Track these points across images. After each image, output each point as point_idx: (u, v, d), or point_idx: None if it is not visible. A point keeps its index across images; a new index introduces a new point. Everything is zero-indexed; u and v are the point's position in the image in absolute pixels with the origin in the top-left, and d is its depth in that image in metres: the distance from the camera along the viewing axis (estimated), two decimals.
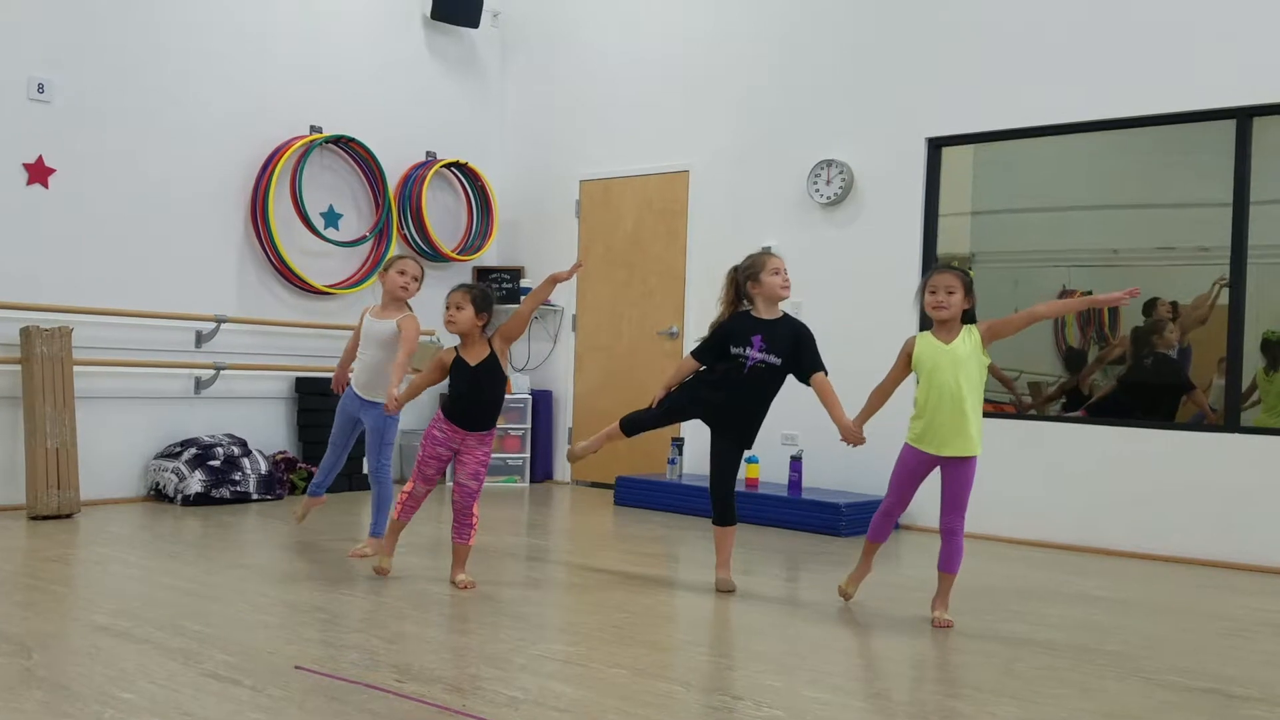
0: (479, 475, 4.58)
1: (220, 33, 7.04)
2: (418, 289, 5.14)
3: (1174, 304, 6.78)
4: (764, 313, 4.59)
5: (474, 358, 4.52)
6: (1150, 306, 6.70)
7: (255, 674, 3.25)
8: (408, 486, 4.65)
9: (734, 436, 4.67)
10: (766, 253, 4.74)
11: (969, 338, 4.08)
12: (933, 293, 4.08)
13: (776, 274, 4.56)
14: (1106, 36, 6.12)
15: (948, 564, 4.19)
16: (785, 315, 4.63)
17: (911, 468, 4.22)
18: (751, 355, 4.53)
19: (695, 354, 4.73)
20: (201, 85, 6.94)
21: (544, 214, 8.57)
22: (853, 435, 4.37)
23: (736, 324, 4.61)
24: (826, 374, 4.54)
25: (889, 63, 6.87)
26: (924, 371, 4.13)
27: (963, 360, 4.05)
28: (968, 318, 4.14)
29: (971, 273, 4.25)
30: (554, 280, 4.54)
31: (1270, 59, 5.63)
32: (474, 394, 4.52)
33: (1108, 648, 3.94)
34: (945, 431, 4.09)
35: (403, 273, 5.10)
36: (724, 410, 4.65)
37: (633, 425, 4.84)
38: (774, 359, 4.53)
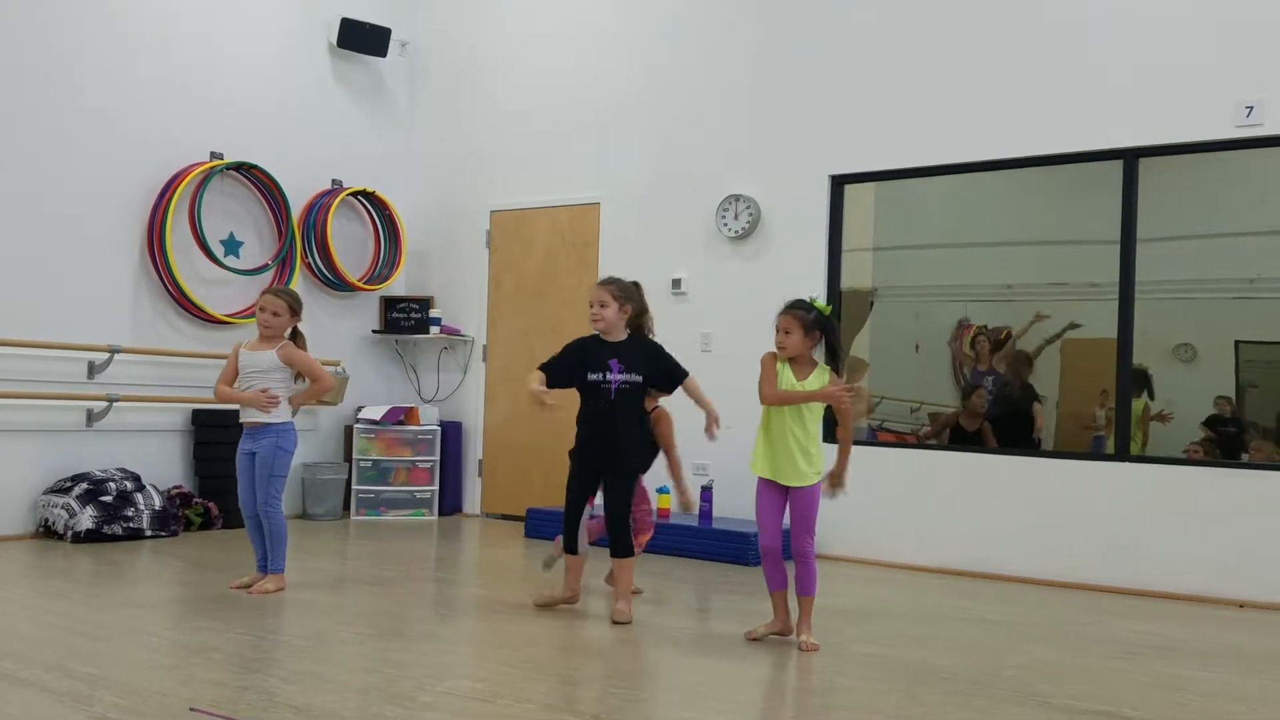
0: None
1: (118, 57, 6.85)
2: (285, 320, 5.04)
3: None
4: (612, 337, 4.68)
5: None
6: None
7: (148, 717, 3.13)
8: None
9: (622, 464, 4.67)
10: (598, 284, 4.79)
11: (820, 377, 4.24)
12: (776, 330, 4.30)
13: (590, 306, 4.69)
14: (1002, 79, 6.35)
15: (804, 587, 4.29)
16: (632, 334, 4.72)
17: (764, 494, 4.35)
18: (613, 379, 4.60)
19: (543, 367, 4.70)
20: (98, 109, 6.74)
21: (454, 244, 8.51)
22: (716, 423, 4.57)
23: (590, 349, 4.66)
24: (689, 375, 4.68)
25: (794, 102, 7.02)
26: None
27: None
28: (831, 354, 4.29)
29: (826, 309, 4.29)
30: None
31: (1154, 103, 5.92)
32: None
33: (1005, 673, 4.03)
34: (781, 462, 4.23)
35: (263, 309, 5.05)
36: (602, 440, 4.64)
37: (572, 537, 4.76)
38: (635, 377, 4.61)
